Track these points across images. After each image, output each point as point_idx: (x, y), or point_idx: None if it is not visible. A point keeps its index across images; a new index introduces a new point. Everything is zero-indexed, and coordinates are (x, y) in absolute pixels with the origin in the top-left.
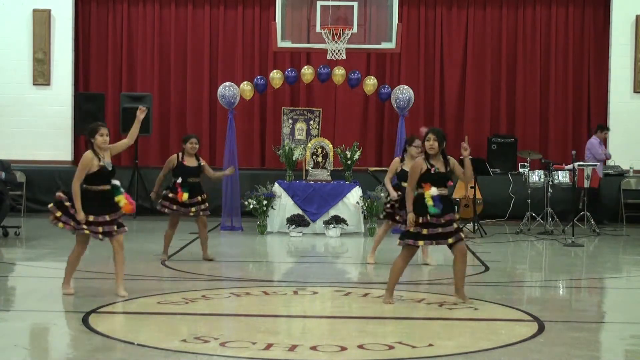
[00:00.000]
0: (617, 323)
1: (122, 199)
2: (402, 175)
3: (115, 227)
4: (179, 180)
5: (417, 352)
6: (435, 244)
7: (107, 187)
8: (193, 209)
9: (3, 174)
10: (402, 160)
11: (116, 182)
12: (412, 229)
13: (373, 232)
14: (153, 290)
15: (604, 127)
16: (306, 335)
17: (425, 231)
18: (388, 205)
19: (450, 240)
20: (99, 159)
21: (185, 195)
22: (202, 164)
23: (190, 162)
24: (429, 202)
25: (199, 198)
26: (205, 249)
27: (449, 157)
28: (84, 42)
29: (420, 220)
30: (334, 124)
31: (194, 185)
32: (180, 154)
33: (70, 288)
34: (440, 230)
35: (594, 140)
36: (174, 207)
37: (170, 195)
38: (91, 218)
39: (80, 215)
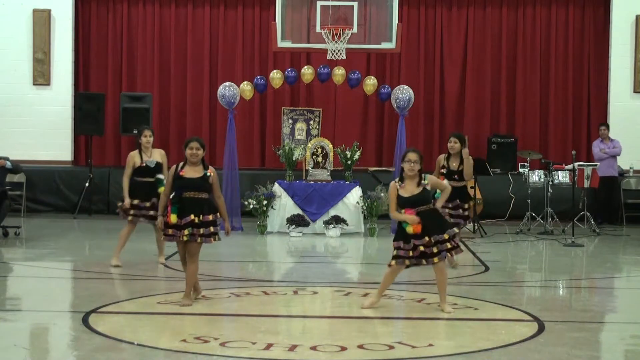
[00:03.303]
0: (617, 323)
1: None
2: None
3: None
4: (172, 195)
5: (417, 352)
6: None
7: (151, 179)
8: (186, 232)
9: (8, 163)
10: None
11: (160, 176)
12: None
13: (373, 232)
14: (153, 290)
15: (600, 125)
16: (306, 335)
17: None
18: None
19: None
20: (141, 158)
21: (174, 217)
22: (208, 175)
23: (192, 172)
24: None
25: (194, 217)
26: (188, 291)
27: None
28: (84, 42)
29: None
30: (334, 124)
31: (191, 201)
32: (181, 163)
33: (118, 260)
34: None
35: (596, 141)
36: (169, 231)
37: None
38: (136, 202)
39: (126, 200)
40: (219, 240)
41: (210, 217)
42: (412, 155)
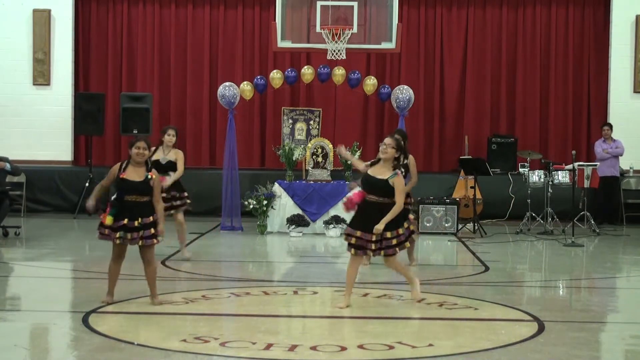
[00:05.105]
0: (617, 323)
1: None
2: None
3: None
4: (113, 197)
5: (417, 352)
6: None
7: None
8: (117, 235)
9: (8, 165)
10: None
11: (170, 174)
12: None
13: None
14: None
15: (603, 125)
16: (306, 335)
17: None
18: None
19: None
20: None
21: (109, 219)
22: (150, 178)
23: (134, 175)
24: None
25: (128, 222)
26: (154, 292)
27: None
28: (84, 42)
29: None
30: (334, 124)
31: (131, 205)
32: (125, 163)
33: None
34: None
35: (598, 141)
36: (105, 231)
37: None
38: None
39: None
40: (161, 240)
41: (151, 219)
42: (387, 139)
